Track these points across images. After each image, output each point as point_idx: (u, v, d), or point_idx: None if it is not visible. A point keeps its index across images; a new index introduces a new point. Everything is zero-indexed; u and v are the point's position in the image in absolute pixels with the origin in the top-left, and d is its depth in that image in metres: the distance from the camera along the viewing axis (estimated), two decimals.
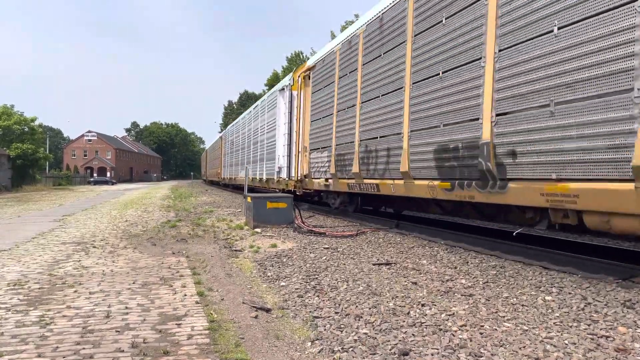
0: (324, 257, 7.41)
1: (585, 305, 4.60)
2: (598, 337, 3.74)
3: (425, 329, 4.01)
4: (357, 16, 43.52)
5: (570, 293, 5.06)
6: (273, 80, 63.90)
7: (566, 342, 3.65)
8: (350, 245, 8.65)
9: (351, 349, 3.63)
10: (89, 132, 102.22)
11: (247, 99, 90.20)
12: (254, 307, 4.85)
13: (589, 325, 4.05)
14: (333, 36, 46.43)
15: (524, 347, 3.57)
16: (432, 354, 3.46)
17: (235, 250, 8.41)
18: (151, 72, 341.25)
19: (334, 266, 6.74)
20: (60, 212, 17.41)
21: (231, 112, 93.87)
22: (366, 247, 8.44)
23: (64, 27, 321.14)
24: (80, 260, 7.49)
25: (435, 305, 4.69)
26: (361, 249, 8.23)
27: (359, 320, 4.30)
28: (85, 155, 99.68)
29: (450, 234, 9.25)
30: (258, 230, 10.80)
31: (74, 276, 6.34)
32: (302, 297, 5.19)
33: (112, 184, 72.00)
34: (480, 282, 5.65)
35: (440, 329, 3.99)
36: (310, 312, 4.64)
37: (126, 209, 18.83)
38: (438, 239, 8.97)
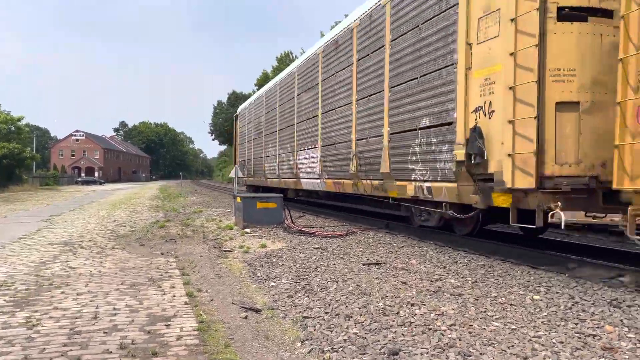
0: (314, 257, 7.41)
1: (572, 305, 4.65)
2: (585, 336, 3.78)
3: (414, 329, 4.02)
4: (346, 16, 43.47)
5: (558, 292, 5.11)
6: (263, 81, 63.66)
7: (554, 341, 3.68)
8: (340, 245, 8.65)
9: (341, 349, 3.63)
10: (77, 131, 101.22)
11: (236, 100, 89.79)
12: (243, 307, 4.84)
13: (576, 324, 4.09)
14: (322, 35, 46.32)
15: (512, 346, 3.60)
16: (422, 354, 3.48)
17: (225, 251, 8.37)
18: (140, 72, 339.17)
19: (323, 266, 6.74)
20: (47, 213, 17.23)
21: (220, 112, 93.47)
22: (356, 247, 8.45)
23: (51, 25, 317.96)
24: (67, 261, 7.42)
25: (424, 304, 4.71)
26: (351, 249, 8.24)
27: (349, 320, 4.30)
28: (72, 155, 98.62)
29: (439, 234, 9.30)
30: (248, 230, 10.77)
31: (61, 277, 6.27)
32: (291, 297, 5.18)
33: (100, 184, 71.28)
34: (469, 282, 5.68)
35: (430, 329, 4.01)
36: (300, 312, 4.64)
37: (114, 209, 18.67)
38: (427, 239, 9.00)
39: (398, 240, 9.21)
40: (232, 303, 5.03)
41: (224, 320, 4.49)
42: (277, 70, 55.45)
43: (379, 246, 8.50)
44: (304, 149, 14.46)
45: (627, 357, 3.36)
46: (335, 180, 12.19)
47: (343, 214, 14.31)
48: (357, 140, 10.80)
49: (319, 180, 13.27)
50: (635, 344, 3.59)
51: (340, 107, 11.79)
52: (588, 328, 3.97)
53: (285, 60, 57.93)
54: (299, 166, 14.91)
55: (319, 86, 13.24)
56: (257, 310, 4.76)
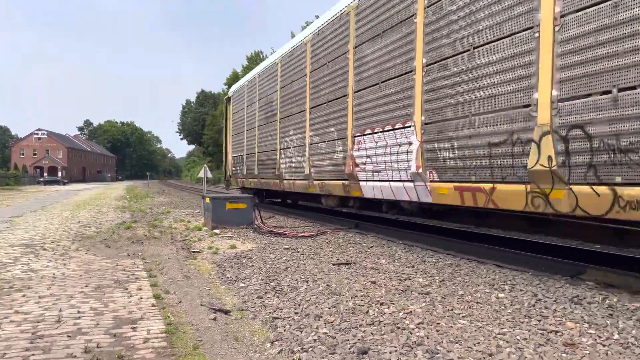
0: (284, 258, 7.39)
1: (535, 302, 4.78)
2: (548, 333, 3.89)
3: (383, 328, 4.06)
4: (317, 16, 43.58)
5: (522, 290, 5.25)
6: (232, 80, 63.21)
7: (518, 337, 3.78)
8: (310, 245, 8.66)
9: (311, 349, 3.64)
10: (39, 130, 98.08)
11: (205, 99, 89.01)
12: (212, 309, 4.79)
13: (539, 321, 4.21)
14: (293, 36, 46.32)
15: (478, 343, 3.68)
16: (391, 352, 3.51)
17: (193, 252, 8.27)
18: (106, 70, 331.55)
19: (294, 267, 6.73)
20: (7, 213, 16.63)
21: (189, 112, 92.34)
22: (326, 247, 8.47)
23: (14, 21, 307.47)
24: (29, 264, 7.18)
25: (393, 303, 4.76)
26: (321, 249, 8.26)
27: (319, 320, 4.31)
28: (34, 154, 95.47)
29: (408, 233, 9.42)
30: (217, 231, 10.67)
31: (22, 280, 6.07)
32: (261, 298, 5.16)
33: (64, 184, 69.27)
34: (437, 281, 5.78)
35: (398, 327, 4.05)
36: (270, 312, 4.62)
37: (79, 210, 18.19)
38: (396, 239, 9.10)
39: (368, 240, 9.28)
40: (201, 304, 4.98)
41: (193, 322, 4.43)
42: (247, 70, 55.06)
43: (348, 246, 8.54)
44: (371, 133, 8.99)
45: (587, 352, 3.48)
46: (468, 185, 6.58)
47: (313, 214, 14.31)
48: (560, 100, 5.27)
49: (412, 184, 7.79)
50: (596, 339, 3.72)
51: (501, 39, 6.02)
52: (550, 325, 4.09)
53: (255, 59, 57.67)
54: (358, 161, 9.47)
55: (416, 20, 7.59)
56: (227, 312, 4.72)
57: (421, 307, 4.63)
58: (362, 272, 6.33)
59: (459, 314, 4.44)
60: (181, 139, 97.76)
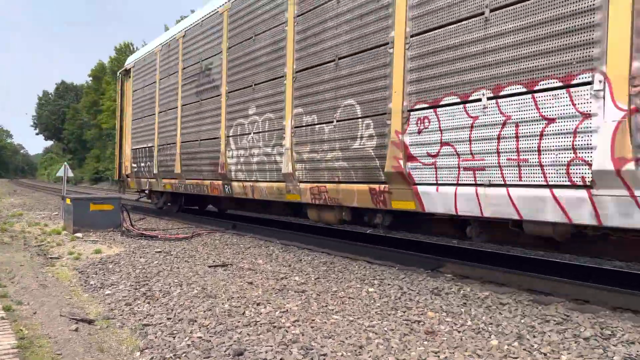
0: (156, 262, 7.05)
1: (401, 295, 5.13)
2: (412, 323, 4.20)
3: (259, 328, 4.06)
4: (192, 11, 42.20)
5: (389, 284, 5.60)
6: (98, 72, 58.84)
7: (385, 329, 4.03)
8: (184, 248, 8.37)
9: (184, 354, 3.52)
10: None
11: (65, 91, 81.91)
12: (73, 319, 4.40)
13: (404, 312, 4.52)
14: (166, 29, 44.38)
15: (350, 336, 3.85)
16: (267, 351, 3.53)
17: (51, 258, 7.53)
18: None
19: (166, 270, 6.45)
20: None
21: (47, 104, 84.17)
22: (202, 249, 8.25)
23: None
24: None
25: (270, 303, 4.79)
26: (196, 251, 8.02)
27: (193, 324, 4.19)
28: None
29: (285, 233, 9.54)
30: (79, 235, 9.83)
31: None
32: (130, 304, 4.87)
33: None
34: (312, 278, 5.93)
35: (275, 326, 4.09)
36: (139, 320, 4.37)
37: None
38: (274, 239, 9.17)
39: (245, 240, 9.22)
40: (60, 315, 4.55)
41: (50, 334, 4.03)
42: (115, 61, 51.43)
43: (225, 247, 8.41)
44: (459, 102, 5.19)
45: (445, 339, 3.82)
46: None
47: (190, 215, 13.79)
48: None
49: (584, 193, 4.17)
50: (452, 326, 4.10)
51: None
52: (414, 315, 4.41)
53: (125, 51, 53.99)
54: (417, 151, 5.69)
55: None
56: (90, 321, 4.37)
57: (297, 305, 4.72)
58: (239, 273, 6.27)
59: (333, 309, 4.61)
60: (37, 134, 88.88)
